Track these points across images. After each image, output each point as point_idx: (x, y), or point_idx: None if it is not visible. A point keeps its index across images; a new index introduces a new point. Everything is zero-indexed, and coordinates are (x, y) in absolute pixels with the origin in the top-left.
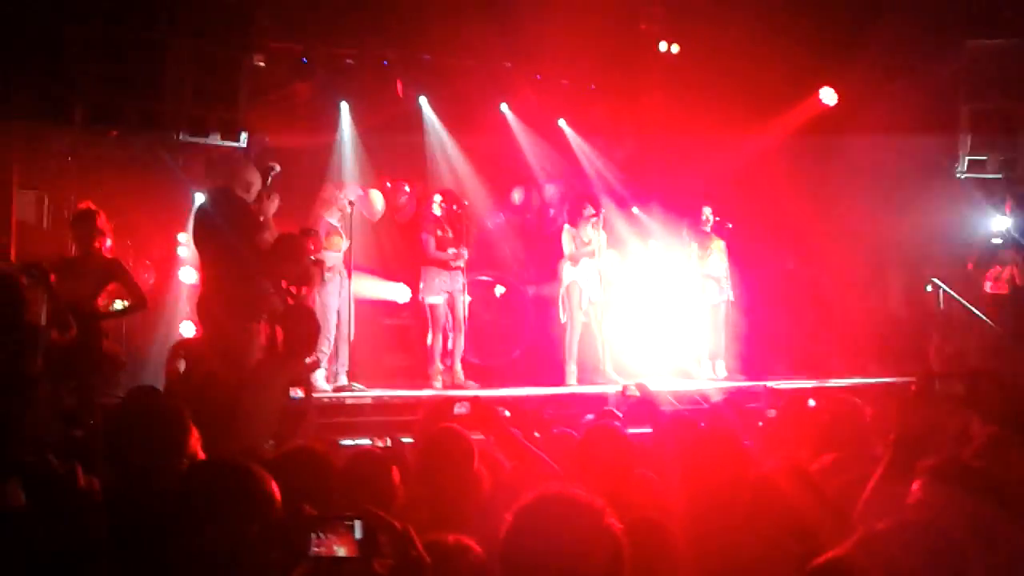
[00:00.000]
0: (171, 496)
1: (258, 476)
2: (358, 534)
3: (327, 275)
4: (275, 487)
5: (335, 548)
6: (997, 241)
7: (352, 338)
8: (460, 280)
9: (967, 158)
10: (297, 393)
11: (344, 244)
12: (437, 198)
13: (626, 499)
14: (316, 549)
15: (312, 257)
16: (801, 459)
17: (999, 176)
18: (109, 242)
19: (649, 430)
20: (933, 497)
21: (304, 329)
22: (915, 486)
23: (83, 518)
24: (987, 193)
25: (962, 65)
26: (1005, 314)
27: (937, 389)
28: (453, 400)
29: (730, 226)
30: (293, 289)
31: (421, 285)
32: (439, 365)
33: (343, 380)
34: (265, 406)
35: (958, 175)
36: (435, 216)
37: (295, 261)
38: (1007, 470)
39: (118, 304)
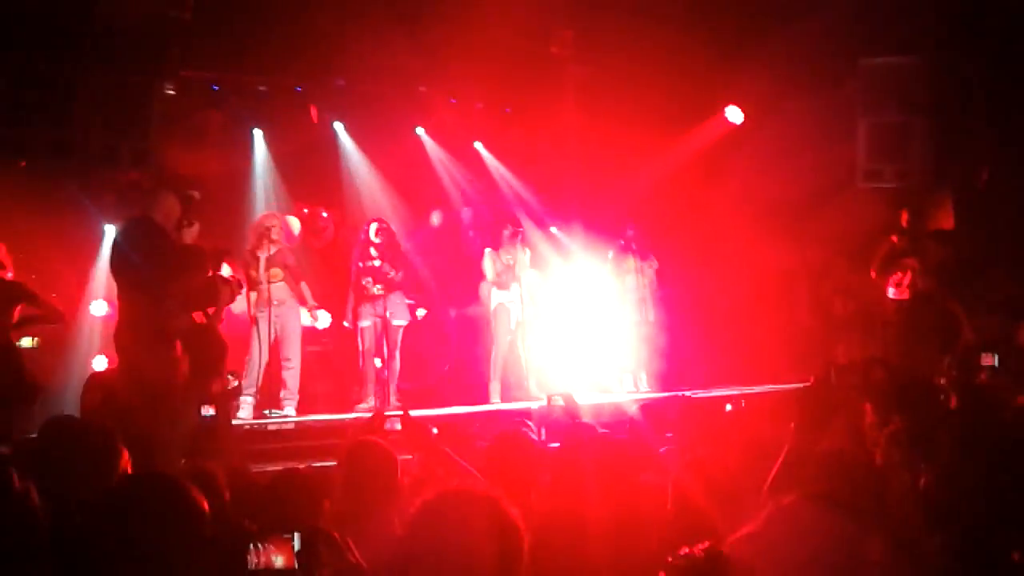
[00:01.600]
0: (99, 512)
1: (185, 488)
2: (296, 545)
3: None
4: (203, 500)
5: (273, 560)
6: (897, 248)
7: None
8: (384, 304)
9: (865, 170)
10: (208, 411)
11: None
12: (375, 226)
13: (535, 499)
14: (255, 562)
15: (223, 275)
16: (726, 461)
17: (895, 186)
18: (10, 273)
19: (569, 441)
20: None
21: (210, 348)
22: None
23: (21, 521)
24: (885, 203)
25: (858, 82)
26: (907, 318)
27: (834, 379)
28: (384, 417)
29: (633, 243)
30: (201, 309)
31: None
32: (369, 388)
33: (289, 410)
34: (177, 426)
35: (857, 186)
36: (365, 244)
37: (193, 273)
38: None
39: (26, 341)
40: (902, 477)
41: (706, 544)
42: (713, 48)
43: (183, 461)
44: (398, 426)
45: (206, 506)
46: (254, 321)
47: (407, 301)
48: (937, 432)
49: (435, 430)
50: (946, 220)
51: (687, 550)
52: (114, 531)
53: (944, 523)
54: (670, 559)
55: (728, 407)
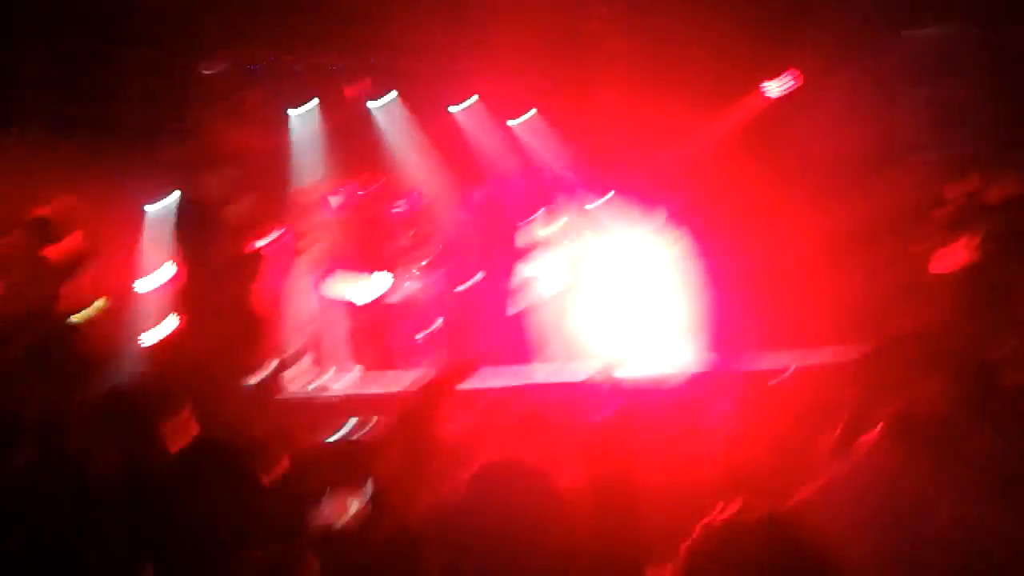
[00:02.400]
0: (175, 471)
1: (239, 454)
2: (362, 498)
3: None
4: (255, 467)
5: (343, 512)
6: (955, 217)
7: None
8: (424, 279)
9: (919, 139)
10: (254, 380)
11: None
12: (401, 201)
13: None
14: (325, 514)
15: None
16: (779, 429)
17: (956, 154)
18: (63, 247)
19: (617, 413)
20: (883, 452)
21: (255, 320)
22: (868, 438)
23: (88, 476)
24: (944, 171)
25: (903, 53)
26: (962, 288)
27: (891, 350)
28: (442, 383)
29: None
30: (246, 281)
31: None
32: (407, 361)
33: (333, 381)
34: (228, 395)
35: (915, 154)
36: (397, 216)
37: (236, 247)
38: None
39: (99, 302)
40: (971, 442)
41: (739, 503)
42: (761, 17)
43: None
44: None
45: (261, 474)
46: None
47: (448, 273)
48: (998, 403)
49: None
50: (1007, 189)
51: (721, 507)
52: (184, 490)
53: (1012, 492)
54: (704, 520)
55: (780, 376)
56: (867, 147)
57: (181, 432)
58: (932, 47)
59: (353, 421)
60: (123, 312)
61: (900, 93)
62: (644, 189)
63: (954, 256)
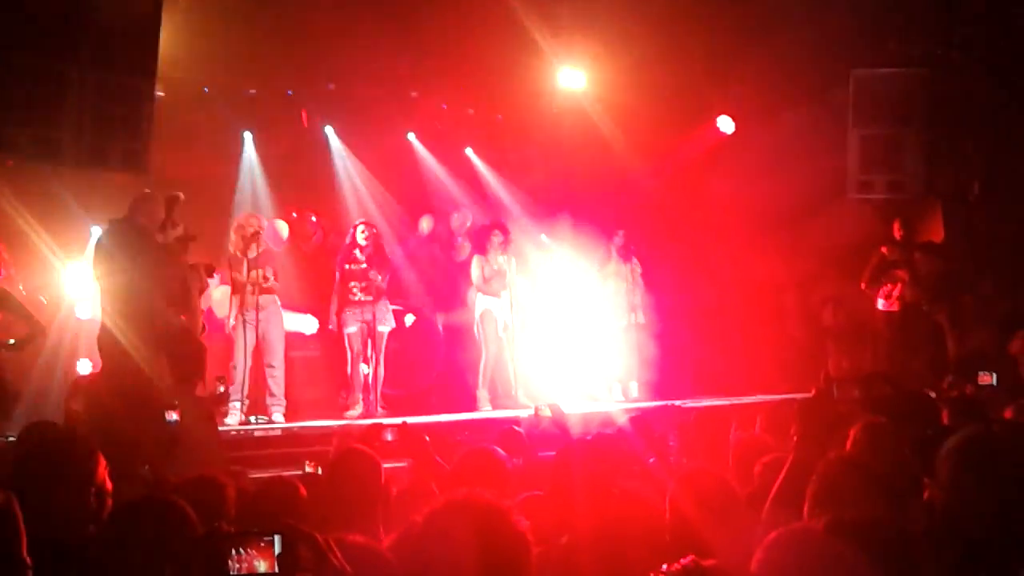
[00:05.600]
0: (93, 536)
1: (184, 511)
2: (277, 548)
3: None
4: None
5: (255, 564)
6: (887, 260)
7: (276, 371)
8: (371, 310)
9: (856, 181)
10: (172, 417)
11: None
12: (361, 229)
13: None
14: (235, 567)
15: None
16: (719, 472)
17: (886, 197)
18: (3, 273)
19: (559, 451)
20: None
21: (191, 353)
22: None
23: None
24: (876, 214)
25: (850, 93)
26: (896, 330)
27: (835, 392)
28: (382, 427)
29: (622, 248)
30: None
31: (334, 317)
32: (358, 395)
33: (278, 416)
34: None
35: (848, 197)
36: (351, 246)
37: (173, 273)
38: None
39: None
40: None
41: (689, 559)
42: (706, 56)
43: (146, 467)
44: (389, 436)
45: (198, 527)
46: (235, 325)
47: (393, 307)
48: (938, 447)
49: (427, 438)
50: (936, 232)
51: (666, 566)
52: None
53: (950, 542)
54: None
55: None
56: (807, 187)
57: (103, 474)
58: (875, 88)
59: (289, 456)
60: (58, 339)
61: (842, 133)
62: (591, 223)
63: (888, 297)
